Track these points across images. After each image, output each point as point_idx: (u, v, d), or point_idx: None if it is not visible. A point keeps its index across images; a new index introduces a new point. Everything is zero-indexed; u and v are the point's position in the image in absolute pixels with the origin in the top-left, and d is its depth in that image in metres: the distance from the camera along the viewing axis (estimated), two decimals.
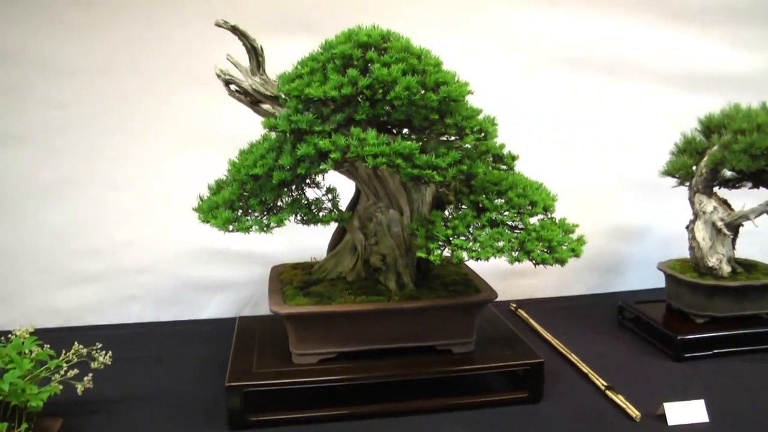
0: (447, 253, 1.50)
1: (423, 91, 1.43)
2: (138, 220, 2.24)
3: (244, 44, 1.60)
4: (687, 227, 2.08)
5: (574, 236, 1.55)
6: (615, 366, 1.88)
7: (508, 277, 2.26)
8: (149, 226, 2.25)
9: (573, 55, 2.42)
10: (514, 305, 2.36)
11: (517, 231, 1.52)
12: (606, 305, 2.35)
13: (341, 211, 1.62)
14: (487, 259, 1.44)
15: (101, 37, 2.13)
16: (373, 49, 1.46)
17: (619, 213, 2.55)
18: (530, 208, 1.53)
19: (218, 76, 1.62)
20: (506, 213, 1.53)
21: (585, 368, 1.84)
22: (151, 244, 2.26)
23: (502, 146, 1.72)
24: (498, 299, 1.74)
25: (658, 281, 2.20)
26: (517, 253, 1.46)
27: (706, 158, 2.01)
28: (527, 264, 1.48)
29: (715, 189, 2.07)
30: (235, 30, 1.57)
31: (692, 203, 2.06)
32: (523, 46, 2.38)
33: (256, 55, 1.61)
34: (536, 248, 1.46)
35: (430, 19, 2.27)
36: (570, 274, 2.42)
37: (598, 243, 2.42)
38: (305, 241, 1.99)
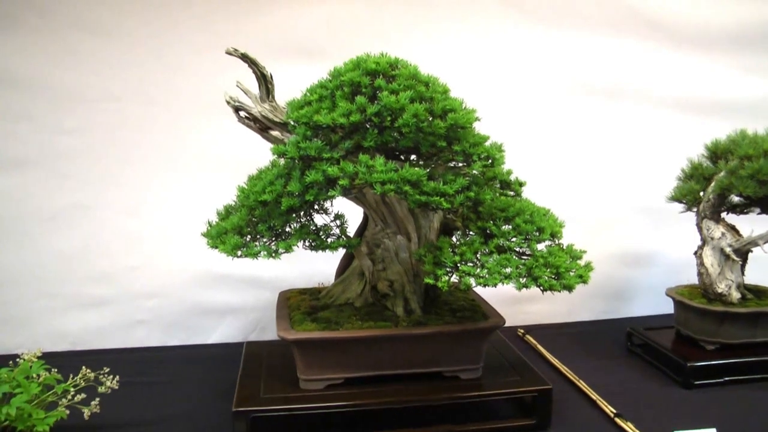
0: (455, 279, 1.50)
1: (431, 119, 1.44)
2: (146, 246, 2.26)
3: (254, 71, 1.62)
4: (695, 253, 2.07)
5: (582, 262, 1.55)
6: (624, 393, 1.85)
7: (515, 303, 2.25)
8: (157, 251, 2.26)
9: (579, 79, 2.44)
10: (522, 331, 2.35)
11: (525, 257, 1.52)
12: (614, 331, 2.33)
13: (349, 237, 1.63)
14: (495, 285, 1.44)
15: (112, 65, 2.16)
16: (381, 76, 1.48)
17: (626, 239, 2.55)
18: (538, 234, 1.54)
19: (228, 103, 1.64)
20: (514, 239, 1.53)
21: (593, 395, 1.82)
22: (159, 268, 2.26)
23: (510, 172, 1.73)
24: (506, 325, 1.73)
25: (667, 307, 2.18)
26: (524, 279, 1.46)
27: (713, 184, 2.01)
28: (535, 290, 1.48)
29: (723, 215, 2.06)
30: (245, 57, 1.59)
31: (700, 229, 2.05)
32: (529, 71, 2.40)
33: (265, 82, 1.63)
34: (544, 274, 1.46)
35: (434, 45, 2.30)
36: (578, 300, 2.42)
37: (606, 269, 2.41)
38: (313, 267, 2.00)
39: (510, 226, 1.55)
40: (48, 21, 2.10)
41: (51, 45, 2.12)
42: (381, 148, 1.48)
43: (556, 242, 1.58)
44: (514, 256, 1.50)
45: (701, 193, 2.06)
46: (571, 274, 1.49)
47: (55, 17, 2.11)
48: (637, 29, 2.44)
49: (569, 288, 1.47)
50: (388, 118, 1.42)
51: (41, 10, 2.10)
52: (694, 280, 2.09)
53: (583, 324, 2.49)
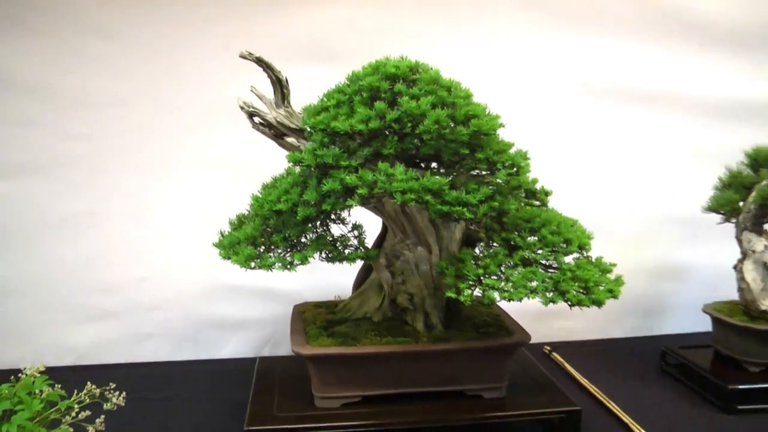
0: (478, 293, 1.52)
1: (453, 125, 1.46)
2: (155, 256, 2.30)
3: (269, 76, 1.66)
4: (735, 267, 2.06)
5: (612, 276, 1.55)
6: (658, 416, 1.85)
7: (541, 319, 2.26)
8: (167, 261, 2.30)
9: (606, 84, 2.44)
10: (548, 348, 2.35)
11: (552, 270, 1.53)
12: (647, 350, 2.33)
13: (367, 248, 1.65)
14: (520, 299, 1.45)
15: (119, 68, 2.21)
16: (401, 81, 1.51)
17: (659, 251, 2.54)
18: (565, 246, 1.55)
19: (242, 108, 1.67)
20: (540, 251, 1.54)
21: (625, 418, 1.82)
22: (169, 280, 2.30)
23: (535, 181, 1.74)
24: (531, 342, 1.74)
25: (704, 325, 2.17)
26: (551, 293, 1.47)
27: (754, 193, 2.00)
28: (562, 305, 1.49)
29: (766, 226, 2.05)
30: (259, 61, 1.63)
31: (740, 241, 2.04)
32: (553, 75, 2.42)
33: (280, 87, 1.67)
34: (572, 289, 1.47)
35: (455, 48, 2.32)
36: (608, 317, 2.41)
37: (638, 283, 2.40)
38: (329, 279, 2.02)
39: (536, 238, 1.56)
40: (52, 22, 2.16)
41: (55, 47, 2.17)
42: (401, 155, 1.51)
43: (585, 255, 1.59)
44: (540, 269, 1.52)
45: (741, 203, 2.05)
46: (601, 288, 1.49)
47: (60, 18, 2.16)
48: (667, 30, 2.44)
49: (599, 303, 1.47)
50: (409, 125, 1.44)
51: (45, 12, 2.15)
52: (734, 295, 2.08)
53: (613, 342, 2.49)
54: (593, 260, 1.58)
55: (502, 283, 1.48)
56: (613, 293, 1.50)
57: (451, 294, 1.51)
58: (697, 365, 2.05)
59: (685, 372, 2.10)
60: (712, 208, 2.10)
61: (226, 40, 2.18)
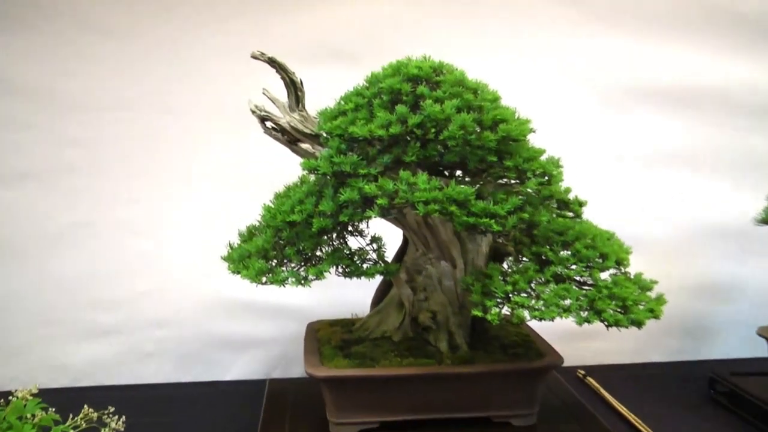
0: (506, 311, 1.53)
1: (479, 130, 1.49)
2: (158, 269, 2.34)
3: (282, 78, 1.69)
4: None
5: (653, 294, 1.56)
6: None
7: (575, 340, 2.25)
8: (171, 275, 2.34)
9: (642, 85, 2.45)
10: (583, 372, 2.36)
11: (586, 287, 1.54)
12: (693, 376, 2.32)
13: (387, 262, 1.68)
14: (552, 319, 1.46)
15: (124, 70, 2.26)
16: (424, 83, 1.54)
17: (705, 267, 2.53)
18: (601, 261, 1.56)
19: (253, 112, 1.70)
20: (573, 267, 1.55)
21: None
22: (172, 295, 2.34)
23: (568, 191, 1.76)
24: (564, 365, 1.76)
25: (758, 349, 2.16)
26: (586, 312, 1.48)
27: None
28: (598, 325, 1.49)
29: None
30: (272, 62, 1.66)
31: None
32: (585, 76, 2.43)
33: (295, 89, 1.70)
34: (608, 308, 1.48)
35: (480, 48, 2.35)
36: (648, 338, 2.42)
37: (682, 302, 2.40)
38: (345, 295, 2.03)
39: (569, 252, 1.57)
40: (53, 22, 2.21)
41: (56, 48, 2.22)
42: (424, 163, 1.54)
43: (623, 271, 1.60)
44: (574, 286, 1.52)
45: None
46: (641, 307, 1.50)
47: (61, 18, 2.21)
48: (712, 27, 2.44)
49: (638, 324, 1.48)
50: (432, 130, 1.47)
51: (45, 10, 2.20)
52: None
53: (654, 366, 2.49)
54: (632, 277, 1.59)
55: (533, 301, 1.49)
56: (654, 313, 1.50)
57: (477, 312, 1.52)
58: (751, 394, 2.02)
59: (737, 401, 2.08)
60: (765, 220, 2.09)
61: (236, 40, 2.22)
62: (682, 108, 2.47)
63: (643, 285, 1.57)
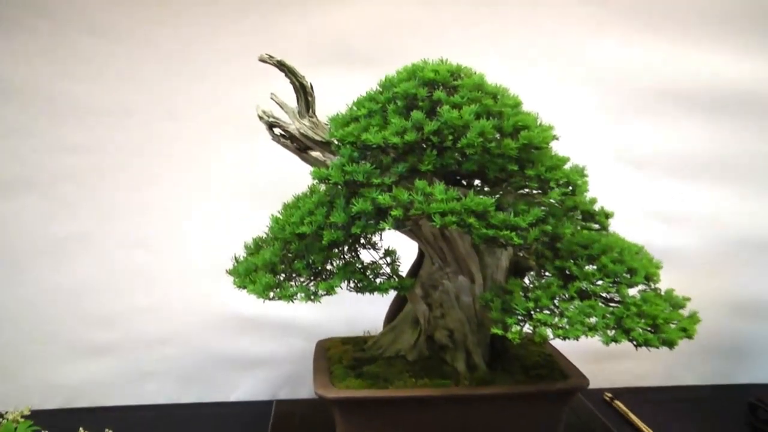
0: (527, 329, 1.54)
1: (499, 137, 1.51)
2: (160, 283, 2.36)
3: (292, 82, 1.72)
4: None
5: (686, 312, 1.57)
6: None
7: (602, 361, 2.26)
8: (173, 290, 2.36)
9: (670, 89, 2.44)
10: (610, 395, 2.35)
11: (613, 304, 1.55)
12: (730, 400, 2.31)
13: (401, 277, 1.70)
14: (577, 338, 1.46)
15: (124, 73, 2.29)
16: (441, 87, 1.56)
17: (743, 283, 2.51)
18: (629, 276, 1.57)
19: (260, 118, 1.74)
20: (599, 282, 1.56)
21: None
22: (174, 311, 2.36)
23: (593, 201, 1.76)
24: (590, 387, 1.76)
25: None
26: (613, 331, 1.48)
27: None
28: (626, 345, 1.50)
29: None
30: (281, 65, 1.68)
31: None
32: (611, 79, 2.43)
33: (305, 94, 1.73)
34: (637, 326, 1.48)
35: (499, 50, 2.36)
36: (681, 360, 2.42)
37: (717, 321, 2.39)
38: (357, 312, 2.06)
39: (595, 267, 1.58)
40: (50, 22, 2.24)
41: (53, 50, 2.25)
42: (440, 172, 1.56)
43: (652, 287, 1.61)
44: (600, 303, 1.53)
45: None
46: (672, 326, 1.51)
47: (59, 18, 2.24)
48: (742, 28, 2.42)
49: (670, 344, 1.48)
50: (450, 137, 1.49)
51: (43, 10, 2.23)
52: None
53: (688, 389, 2.48)
54: (662, 293, 1.60)
55: (556, 319, 1.50)
56: (687, 332, 1.51)
57: (496, 330, 1.53)
58: None
59: None
60: None
61: (243, 42, 2.25)
62: (713, 112, 2.46)
63: (674, 302, 1.58)
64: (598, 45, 2.42)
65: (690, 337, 1.51)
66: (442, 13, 2.35)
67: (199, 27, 2.29)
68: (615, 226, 1.79)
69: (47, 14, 2.25)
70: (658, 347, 1.48)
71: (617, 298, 1.56)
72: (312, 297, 1.56)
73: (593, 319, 1.49)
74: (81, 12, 2.26)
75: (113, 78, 2.30)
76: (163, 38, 2.30)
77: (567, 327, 1.47)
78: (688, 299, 1.60)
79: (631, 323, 1.48)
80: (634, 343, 1.49)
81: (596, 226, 1.78)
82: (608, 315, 1.50)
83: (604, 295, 1.57)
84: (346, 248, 1.68)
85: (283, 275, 1.63)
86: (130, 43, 2.29)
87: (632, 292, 1.57)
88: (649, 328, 1.50)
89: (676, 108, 2.45)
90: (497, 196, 1.54)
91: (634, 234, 1.75)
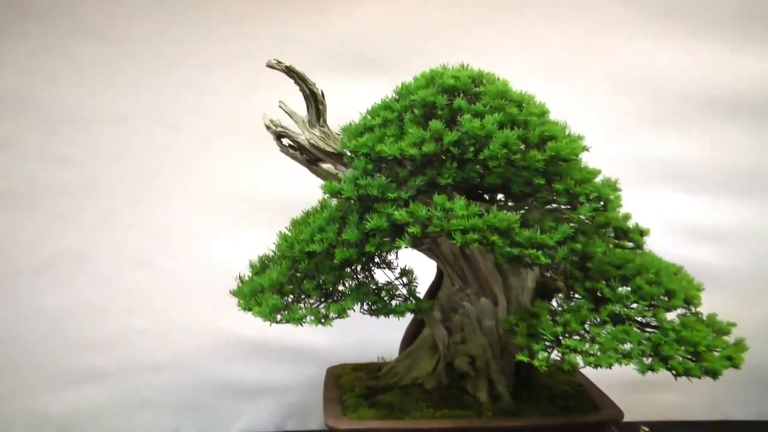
0: (555, 356, 1.55)
1: (525, 148, 1.51)
2: (157, 304, 2.38)
3: (301, 89, 1.74)
4: None
5: (730, 339, 1.57)
6: None
7: (637, 391, 2.24)
8: (171, 311, 2.39)
9: (712, 94, 2.45)
10: (647, 429, 2.34)
11: (650, 330, 1.56)
12: None
13: (419, 299, 1.71)
14: (610, 366, 1.46)
15: (121, 79, 2.32)
16: (461, 94, 1.58)
17: None
18: (666, 299, 1.57)
19: (268, 127, 1.76)
20: (634, 305, 1.57)
21: None
22: (172, 334, 2.38)
23: (627, 217, 1.78)
24: (625, 419, 1.75)
25: None
26: (650, 359, 1.48)
27: None
28: (664, 374, 1.50)
29: None
30: (290, 71, 1.71)
31: None
32: (646, 85, 2.44)
33: (315, 102, 1.75)
34: (676, 353, 1.48)
35: (524, 54, 2.38)
36: (725, 391, 2.40)
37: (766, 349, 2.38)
38: (371, 336, 2.08)
39: (629, 288, 1.59)
40: (39, 24, 2.28)
41: (43, 54, 2.29)
42: (461, 186, 1.57)
43: (693, 311, 1.62)
44: (635, 328, 1.54)
45: None
46: (716, 354, 1.51)
47: (49, 20, 2.28)
48: None
49: (714, 374, 1.48)
50: (471, 149, 1.50)
51: (30, 12, 2.27)
52: None
53: (735, 425, 2.47)
54: (704, 318, 1.60)
55: (587, 345, 1.50)
56: (733, 361, 1.50)
57: (522, 357, 1.53)
58: None
59: None
60: None
61: (248, 45, 2.28)
62: (760, 119, 2.47)
63: (718, 328, 1.58)
64: (631, 48, 2.43)
65: (736, 366, 1.51)
66: (463, 15, 2.37)
67: (200, 29, 2.32)
68: (651, 244, 1.80)
69: (35, 16, 2.28)
70: (700, 377, 1.48)
71: (654, 323, 1.56)
72: (322, 320, 1.57)
73: (628, 346, 1.49)
74: (72, 13, 2.30)
75: (107, 84, 2.33)
76: (162, 41, 2.33)
77: (599, 354, 1.47)
78: (734, 325, 1.60)
79: (670, 350, 1.48)
80: (673, 372, 1.49)
81: (630, 244, 1.79)
82: (644, 341, 1.51)
83: (639, 319, 1.57)
84: (359, 268, 1.69)
85: (292, 296, 1.65)
86: (125, 45, 2.33)
87: (670, 316, 1.57)
88: (689, 356, 1.50)
89: (717, 115, 2.46)
90: (522, 211, 1.56)
91: (672, 253, 1.76)
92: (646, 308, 1.56)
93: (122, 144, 2.35)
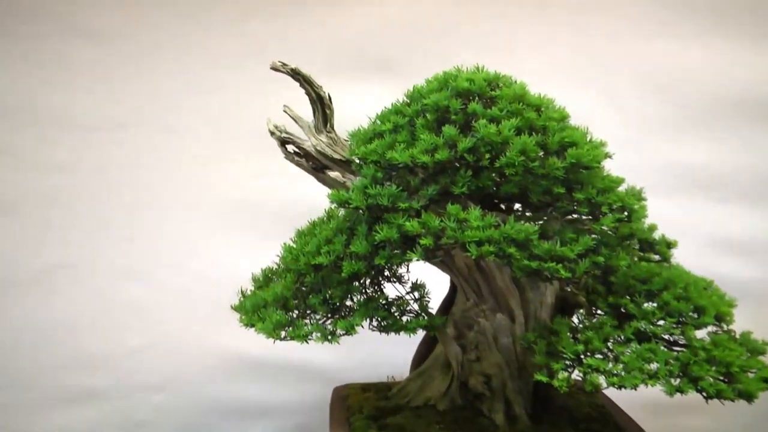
0: (577, 376, 1.55)
1: (543, 155, 1.53)
2: (154, 320, 2.40)
3: (308, 92, 1.75)
4: None
5: (766, 359, 1.56)
6: None
7: (665, 414, 2.25)
8: (169, 327, 2.40)
9: (742, 97, 2.45)
10: None
11: (678, 348, 1.56)
12: None
13: (431, 314, 1.71)
14: (635, 387, 1.46)
15: (117, 82, 2.34)
16: (476, 98, 1.59)
17: None
18: (696, 316, 1.57)
19: (272, 133, 1.77)
20: (661, 322, 1.57)
21: None
22: (170, 351, 2.40)
23: (653, 228, 1.78)
24: None
25: None
26: (678, 380, 1.48)
27: None
28: (694, 396, 1.49)
29: None
30: (295, 74, 1.72)
31: None
32: (672, 87, 2.45)
33: (322, 106, 1.76)
34: (707, 374, 1.48)
35: (543, 55, 2.39)
36: (760, 414, 2.37)
37: None
38: (380, 354, 2.09)
39: (655, 304, 1.59)
40: (32, 25, 2.30)
41: (36, 55, 2.32)
42: (476, 195, 1.58)
43: (725, 328, 1.61)
44: (662, 347, 1.54)
45: None
46: (750, 375, 1.50)
47: (42, 20, 2.30)
48: None
49: (748, 396, 1.47)
50: (487, 156, 1.51)
51: (23, 11, 2.30)
52: None
53: None
54: (737, 336, 1.60)
55: (610, 364, 1.50)
56: None
57: (541, 377, 1.54)
58: None
59: None
60: None
61: (251, 45, 2.31)
62: None
63: (752, 347, 1.58)
64: (656, 48, 2.44)
65: None
66: (477, 13, 2.39)
67: (202, 30, 2.34)
68: (679, 257, 1.80)
69: (28, 16, 2.31)
70: (733, 400, 1.48)
71: (682, 341, 1.56)
72: (329, 337, 1.58)
73: (654, 365, 1.49)
74: (68, 12, 2.32)
75: (104, 87, 2.35)
76: (161, 42, 2.35)
77: (623, 374, 1.47)
78: None
79: (700, 371, 1.48)
80: (704, 394, 1.48)
81: (656, 257, 1.79)
82: (672, 361, 1.50)
83: (666, 337, 1.57)
84: (368, 281, 1.71)
85: (297, 312, 1.66)
86: (120, 46, 2.35)
87: (700, 334, 1.57)
88: (721, 377, 1.50)
89: (749, 119, 2.47)
90: (541, 222, 1.56)
91: (701, 266, 1.75)
92: (674, 325, 1.56)
93: (117, 150, 2.37)
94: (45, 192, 2.37)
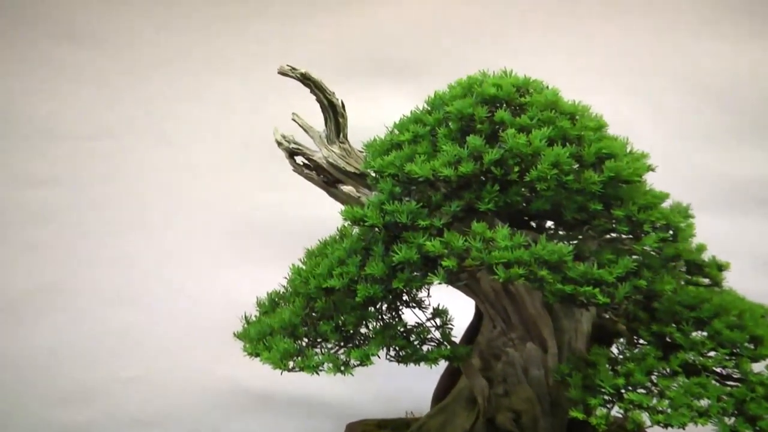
0: (616, 413, 1.55)
1: (578, 168, 1.53)
2: (149, 349, 2.41)
3: (318, 99, 1.77)
4: None
5: None
6: None
7: None
8: (164, 357, 2.41)
9: None
10: None
11: (732, 383, 1.55)
12: None
13: (454, 344, 1.72)
14: (683, 426, 1.46)
15: (108, 88, 2.37)
16: (504, 106, 1.60)
17: None
18: (752, 347, 1.57)
19: (279, 144, 1.79)
20: (711, 354, 1.56)
21: None
22: (166, 383, 2.41)
23: (702, 249, 1.78)
24: None
25: None
26: (732, 419, 1.47)
27: None
28: None
29: None
30: (306, 79, 1.73)
31: None
32: (723, 94, 2.45)
33: (334, 114, 1.78)
34: (766, 413, 1.47)
35: (576, 59, 2.40)
36: None
37: None
38: (398, 387, 2.10)
39: (705, 333, 1.59)
40: (17, 28, 2.34)
41: (21, 60, 2.35)
42: (504, 211, 1.58)
43: None
44: (714, 381, 1.53)
45: None
46: None
47: (28, 23, 2.34)
48: None
49: None
50: (516, 169, 1.52)
51: (8, 13, 2.33)
52: None
53: None
54: None
55: (655, 400, 1.50)
56: None
57: (576, 414, 1.54)
58: None
59: None
60: None
61: (255, 48, 2.33)
62: None
63: None
64: (705, 49, 2.44)
65: None
66: (506, 13, 2.40)
67: (202, 32, 2.37)
68: (731, 280, 1.80)
69: (13, 19, 2.34)
70: None
71: (736, 375, 1.56)
72: (342, 368, 1.58)
73: (704, 402, 1.49)
74: (54, 12, 2.35)
75: (92, 94, 2.38)
76: (155, 44, 2.38)
77: (669, 411, 1.47)
78: None
79: (758, 409, 1.48)
80: None
81: (706, 280, 1.79)
82: (725, 397, 1.50)
83: (718, 370, 1.57)
84: (385, 307, 1.71)
85: (306, 340, 1.67)
86: (110, 50, 2.38)
87: (757, 367, 1.56)
88: None
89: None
90: (576, 242, 1.57)
91: (757, 291, 1.75)
92: (727, 357, 1.56)
93: (107, 162, 2.40)
94: (30, 207, 2.39)
